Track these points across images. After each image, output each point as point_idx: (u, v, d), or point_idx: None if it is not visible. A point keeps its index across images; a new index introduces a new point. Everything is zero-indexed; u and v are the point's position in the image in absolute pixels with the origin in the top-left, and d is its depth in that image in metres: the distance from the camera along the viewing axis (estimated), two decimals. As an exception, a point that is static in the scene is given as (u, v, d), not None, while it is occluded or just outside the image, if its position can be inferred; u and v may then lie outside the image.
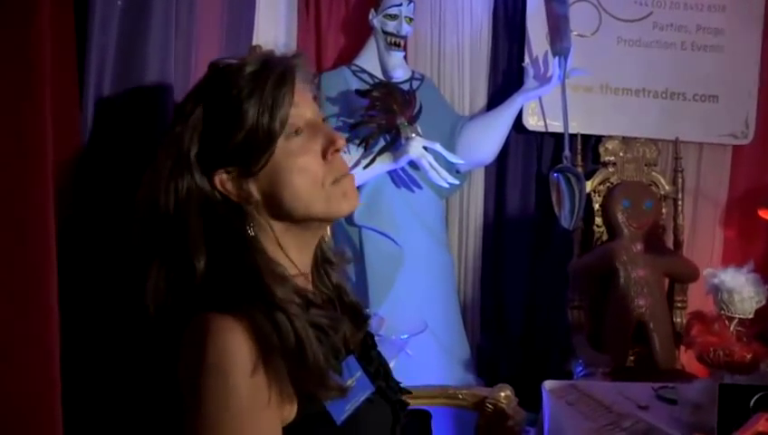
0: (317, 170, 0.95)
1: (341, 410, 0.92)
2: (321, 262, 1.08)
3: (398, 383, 1.08)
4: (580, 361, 2.63)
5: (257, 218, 0.97)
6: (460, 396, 2.19)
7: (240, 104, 0.93)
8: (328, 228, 1.12)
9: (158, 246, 0.95)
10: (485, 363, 3.10)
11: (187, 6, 1.16)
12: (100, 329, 1.05)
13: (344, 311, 1.06)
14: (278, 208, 0.96)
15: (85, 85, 1.00)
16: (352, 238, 2.81)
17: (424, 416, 1.96)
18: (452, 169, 2.82)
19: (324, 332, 0.94)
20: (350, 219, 2.78)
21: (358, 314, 1.07)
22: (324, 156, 0.97)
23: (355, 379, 0.96)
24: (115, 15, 1.01)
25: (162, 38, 1.06)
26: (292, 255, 1.00)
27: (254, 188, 0.96)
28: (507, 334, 3.16)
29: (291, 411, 0.90)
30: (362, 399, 0.96)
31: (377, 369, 1.03)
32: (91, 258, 1.05)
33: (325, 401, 0.91)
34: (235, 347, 0.86)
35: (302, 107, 0.97)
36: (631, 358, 2.90)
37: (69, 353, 0.96)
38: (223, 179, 0.95)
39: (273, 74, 0.95)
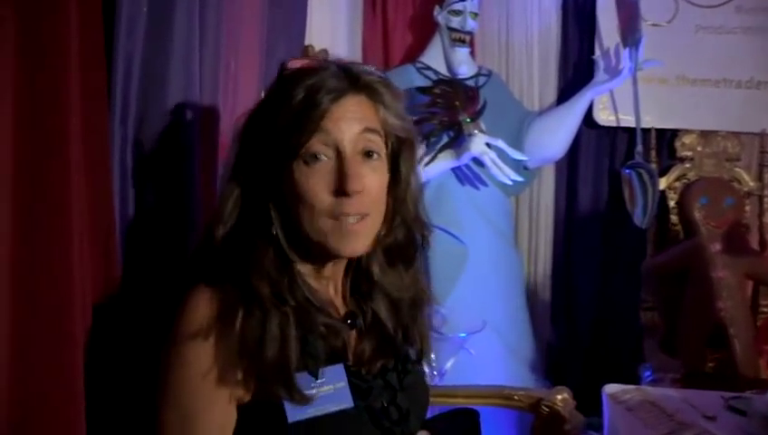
0: (319, 203, 0.94)
1: (300, 411, 0.92)
2: (367, 284, 1.06)
3: (407, 416, 1.04)
4: (649, 365, 2.52)
5: (278, 221, 0.99)
6: (516, 397, 2.14)
7: (279, 115, 0.95)
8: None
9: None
10: (554, 365, 3.01)
11: (214, 10, 1.19)
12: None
13: (371, 334, 1.05)
14: (290, 223, 0.97)
15: (112, 89, 1.05)
16: (416, 236, 2.80)
17: (472, 414, 1.93)
18: (519, 165, 2.77)
19: (314, 332, 0.95)
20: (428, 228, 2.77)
21: (386, 342, 1.05)
22: (335, 192, 0.95)
23: (334, 387, 0.95)
24: (141, 21, 1.06)
25: (185, 39, 1.10)
26: (307, 259, 1.01)
27: (275, 196, 0.98)
28: (577, 336, 3.07)
29: (245, 393, 0.92)
30: (333, 409, 0.94)
31: (370, 388, 1.00)
32: (124, 257, 1.10)
33: (291, 416, 0.91)
34: (193, 312, 0.90)
35: (337, 133, 0.94)
36: (710, 365, 2.74)
37: (96, 344, 1.01)
38: (259, 178, 0.98)
39: (321, 93, 0.94)
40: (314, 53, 1.96)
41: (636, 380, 2.58)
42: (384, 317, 1.06)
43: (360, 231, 0.98)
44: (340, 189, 0.94)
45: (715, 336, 2.69)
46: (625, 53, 2.76)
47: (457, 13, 2.79)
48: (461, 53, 2.82)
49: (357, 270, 1.06)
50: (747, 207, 2.85)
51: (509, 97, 2.97)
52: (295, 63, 0.99)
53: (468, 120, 2.66)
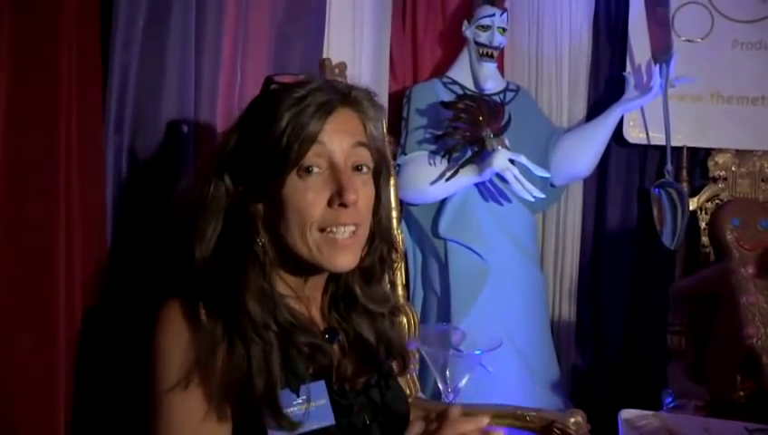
0: (312, 214, 0.94)
1: (281, 430, 0.91)
2: (346, 301, 1.07)
3: (388, 433, 1.03)
4: (671, 390, 2.43)
5: (264, 237, 0.99)
6: (528, 418, 2.10)
7: (268, 126, 0.95)
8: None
9: (176, 233, 1.00)
10: (578, 387, 2.94)
11: (213, 24, 1.21)
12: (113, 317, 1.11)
13: (353, 350, 1.06)
14: (277, 237, 0.98)
15: (108, 99, 1.07)
16: (438, 251, 2.79)
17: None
18: (545, 182, 2.73)
19: (299, 353, 0.94)
20: (435, 232, 2.76)
21: (368, 356, 1.06)
22: (330, 204, 0.95)
23: (315, 404, 0.94)
24: (137, 34, 1.08)
25: (181, 54, 1.12)
26: (289, 279, 1.01)
27: (262, 210, 0.98)
28: (602, 358, 2.99)
29: (229, 424, 0.92)
30: (315, 426, 0.94)
31: (351, 405, 1.00)
32: (118, 264, 1.12)
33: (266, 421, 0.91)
34: (175, 326, 0.91)
35: (331, 145, 0.95)
36: (741, 393, 2.64)
37: (81, 342, 1.03)
38: (243, 191, 0.99)
39: (312, 105, 0.95)
40: (332, 66, 1.97)
41: (657, 404, 2.49)
42: (366, 334, 1.07)
43: (352, 245, 0.98)
44: (339, 200, 0.94)
45: (745, 364, 2.59)
46: (656, 69, 2.70)
47: (485, 28, 2.77)
48: (488, 68, 2.80)
49: (335, 286, 1.06)
50: (783, 231, 2.73)
51: (537, 113, 2.93)
52: (282, 78, 0.99)
53: (492, 135, 2.63)
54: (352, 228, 0.98)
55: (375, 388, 1.05)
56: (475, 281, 2.70)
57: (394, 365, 1.10)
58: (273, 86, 1.01)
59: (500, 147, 2.62)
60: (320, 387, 0.97)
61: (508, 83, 2.89)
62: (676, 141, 2.74)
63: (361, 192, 0.98)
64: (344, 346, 1.05)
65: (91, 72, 1.03)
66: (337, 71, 2.02)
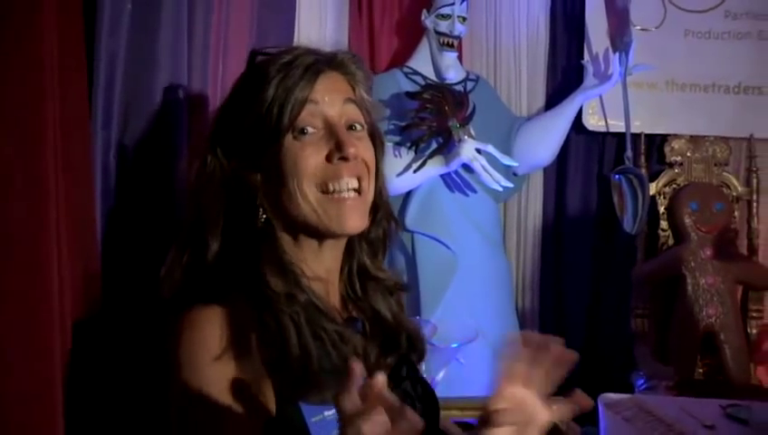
0: (308, 169, 0.91)
1: (324, 431, 0.86)
2: (361, 277, 1.04)
3: (426, 425, 1.00)
4: (642, 373, 2.49)
5: (268, 210, 0.95)
6: (509, 408, 2.10)
7: (258, 93, 0.92)
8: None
9: (179, 226, 0.94)
10: (544, 373, 2.97)
11: (202, 10, 1.14)
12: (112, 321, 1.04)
13: (375, 333, 1.01)
14: (279, 208, 0.94)
15: (94, 91, 0.99)
16: (405, 244, 2.76)
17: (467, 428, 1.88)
18: (508, 171, 2.73)
19: (323, 343, 0.89)
20: (401, 225, 2.73)
21: (392, 341, 1.02)
22: (329, 159, 0.92)
23: None
24: (125, 20, 1.00)
25: (172, 40, 1.04)
26: (302, 256, 0.97)
27: (260, 181, 0.94)
28: (567, 343, 3.02)
29: (266, 414, 0.87)
30: None
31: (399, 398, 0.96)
32: (109, 259, 1.04)
33: (309, 419, 0.86)
34: (205, 337, 0.84)
35: (323, 105, 0.93)
36: (700, 371, 2.73)
37: (75, 348, 0.95)
38: (236, 166, 0.94)
39: (300, 67, 0.92)
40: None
41: (627, 387, 2.55)
42: (382, 309, 1.03)
43: (358, 205, 0.95)
44: (339, 154, 0.91)
45: (704, 343, 2.68)
46: (614, 57, 2.74)
47: (446, 17, 2.75)
48: (449, 58, 2.78)
49: (349, 265, 1.02)
50: (736, 213, 2.83)
51: (497, 102, 2.94)
52: (265, 49, 0.97)
53: (458, 125, 2.62)
54: (355, 184, 0.94)
55: (407, 380, 1.02)
56: (444, 273, 2.69)
57: (412, 356, 1.07)
58: (258, 57, 0.98)
59: (466, 137, 2.61)
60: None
61: (468, 73, 2.88)
62: (634, 128, 2.79)
63: (360, 146, 0.95)
64: (366, 333, 1.01)
65: (74, 58, 0.94)
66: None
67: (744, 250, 2.82)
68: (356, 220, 0.95)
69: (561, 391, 2.39)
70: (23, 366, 0.88)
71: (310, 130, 0.92)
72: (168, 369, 0.87)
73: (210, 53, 1.17)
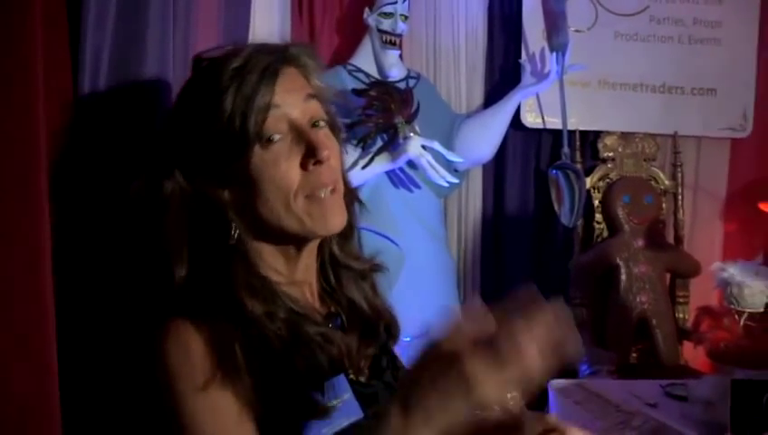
0: (291, 183, 0.88)
1: (318, 433, 0.87)
2: (333, 268, 1.02)
3: None
4: (585, 359, 2.60)
5: (239, 225, 0.92)
6: (465, 398, 2.16)
7: (217, 103, 0.87)
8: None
9: (142, 249, 0.91)
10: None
11: (184, 3, 1.12)
12: (93, 328, 1.01)
13: (353, 324, 1.01)
14: (254, 220, 0.91)
15: (79, 85, 0.96)
16: (351, 240, 2.77)
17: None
18: (450, 167, 2.79)
19: (310, 348, 0.90)
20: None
21: (370, 329, 1.02)
22: (304, 166, 0.89)
23: (341, 401, 0.90)
24: (110, 12, 0.97)
25: (160, 35, 1.02)
26: (279, 264, 0.95)
27: (229, 196, 0.91)
28: (509, 334, 3.13)
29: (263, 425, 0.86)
30: (345, 424, 0.89)
31: (375, 393, 0.96)
32: (84, 257, 1.01)
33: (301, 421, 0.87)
34: (192, 361, 0.83)
35: (286, 108, 0.89)
36: (634, 355, 2.88)
37: (64, 353, 0.92)
38: (197, 186, 0.91)
39: (256, 71, 0.88)
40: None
41: (569, 374, 2.65)
42: (357, 298, 1.02)
43: (337, 201, 0.93)
44: (314, 159, 0.89)
45: (637, 328, 2.83)
46: (552, 57, 2.85)
47: (388, 15, 2.78)
48: (392, 56, 2.81)
49: (322, 258, 1.01)
50: (663, 205, 3.00)
51: (438, 99, 3.00)
52: (210, 54, 0.91)
53: (404, 122, 2.65)
54: (332, 186, 0.93)
55: (387, 370, 1.02)
56: (391, 269, 2.69)
57: (389, 343, 1.07)
58: (203, 63, 0.93)
59: (412, 134, 2.65)
60: (341, 381, 0.93)
61: (409, 71, 2.92)
62: (569, 125, 2.91)
63: (329, 144, 0.92)
64: (344, 327, 1.01)
65: (58, 54, 0.91)
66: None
67: (671, 240, 2.99)
68: (339, 217, 0.93)
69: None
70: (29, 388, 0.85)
71: (276, 136, 0.88)
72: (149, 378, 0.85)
73: (190, 48, 1.15)
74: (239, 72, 0.88)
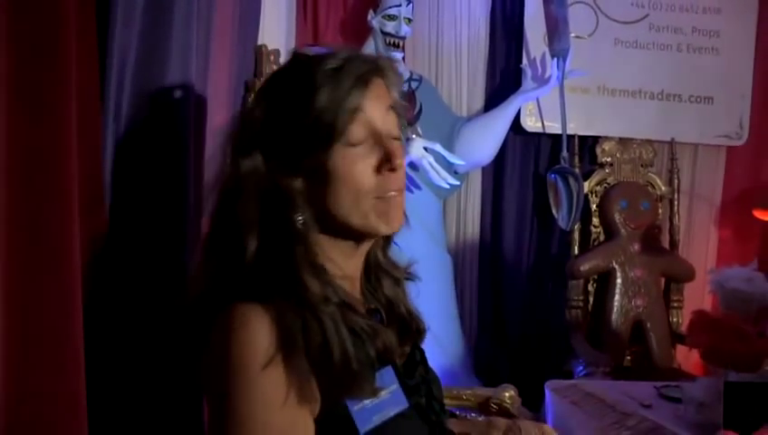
0: (365, 183, 0.94)
1: (368, 420, 0.91)
2: (375, 270, 1.08)
3: (442, 405, 1.06)
4: (581, 360, 2.64)
5: (306, 214, 0.97)
6: (464, 396, 2.20)
7: (310, 98, 0.93)
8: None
9: (215, 225, 0.95)
10: (483, 364, 3.10)
11: (206, 5, 1.15)
12: (129, 318, 1.04)
13: (391, 322, 1.05)
14: (321, 212, 0.96)
15: (106, 83, 0.99)
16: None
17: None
18: (451, 169, 2.83)
19: (360, 338, 0.94)
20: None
21: (406, 328, 1.07)
22: (378, 170, 0.95)
23: (389, 391, 0.95)
24: (137, 10, 1.00)
25: (184, 30, 1.05)
26: (336, 256, 1.00)
27: (302, 186, 0.96)
28: (505, 335, 3.17)
29: (314, 410, 0.90)
30: (393, 413, 0.94)
31: (417, 386, 1.01)
32: (118, 252, 1.04)
33: (352, 408, 0.90)
34: (256, 339, 0.86)
35: (371, 115, 0.95)
36: (628, 357, 2.92)
37: (96, 346, 0.95)
38: (273, 170, 0.95)
39: (351, 76, 0.94)
40: (267, 52, 1.93)
41: (564, 375, 2.70)
42: (394, 297, 1.08)
43: (400, 204, 0.99)
44: (388, 166, 0.95)
45: (632, 331, 2.87)
46: (553, 63, 2.89)
47: (392, 18, 2.82)
48: (395, 58, 2.85)
49: (366, 267, 1.06)
50: (660, 211, 3.05)
51: (439, 102, 3.03)
52: (311, 50, 0.98)
53: (406, 124, 2.68)
54: (399, 192, 0.99)
55: (420, 364, 1.07)
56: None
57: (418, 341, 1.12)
58: (301, 58, 0.98)
59: (414, 135, 2.69)
60: (389, 372, 0.97)
61: (412, 73, 2.96)
62: (569, 130, 2.95)
63: (401, 155, 0.98)
64: (383, 323, 1.06)
65: (88, 54, 0.94)
66: (272, 57, 1.98)
67: (666, 245, 3.03)
68: (399, 219, 0.99)
69: (507, 378, 2.50)
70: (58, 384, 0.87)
71: (359, 139, 0.94)
72: (203, 365, 0.88)
73: (211, 48, 1.18)
74: (335, 72, 0.94)
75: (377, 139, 0.95)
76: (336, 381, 0.89)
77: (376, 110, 0.96)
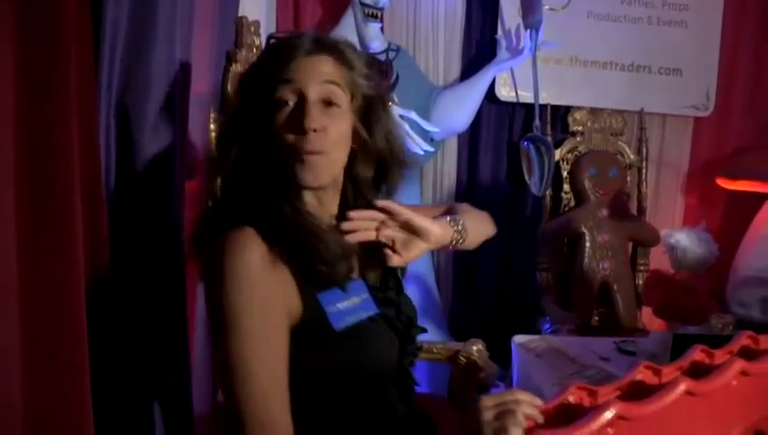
0: (286, 140, 1.08)
1: (342, 320, 1.05)
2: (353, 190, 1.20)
3: (411, 321, 1.20)
4: (548, 318, 2.78)
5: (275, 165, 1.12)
6: (435, 350, 2.32)
7: (255, 75, 1.12)
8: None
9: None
10: (458, 323, 3.24)
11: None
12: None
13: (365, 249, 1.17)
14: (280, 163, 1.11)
15: (101, 54, 1.07)
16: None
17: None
18: (427, 136, 2.92)
19: (332, 249, 1.08)
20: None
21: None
22: (294, 131, 1.08)
23: (361, 298, 1.10)
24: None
25: (170, 5, 1.13)
26: (309, 200, 1.14)
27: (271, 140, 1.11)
28: (479, 296, 3.30)
29: (296, 316, 1.05)
30: (365, 316, 1.09)
31: (388, 300, 1.16)
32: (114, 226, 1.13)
33: (328, 310, 1.04)
34: (250, 258, 1.01)
35: (299, 82, 1.08)
36: (596, 318, 3.06)
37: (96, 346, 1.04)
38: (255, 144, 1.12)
39: (287, 49, 1.10)
40: (248, 24, 1.99)
41: (534, 331, 2.83)
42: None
43: (316, 164, 1.10)
44: (299, 127, 1.07)
45: (599, 293, 3.01)
46: (526, 34, 2.98)
47: (370, -11, 2.88)
48: (373, 29, 2.92)
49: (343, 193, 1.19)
50: (628, 178, 3.17)
51: (417, 71, 3.11)
52: (279, 34, 1.14)
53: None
54: (318, 149, 1.09)
55: (392, 290, 1.20)
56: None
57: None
58: (271, 41, 1.17)
59: (390, 103, 2.78)
60: (360, 283, 1.13)
61: (390, 43, 3.03)
62: (541, 99, 3.05)
63: (327, 123, 1.09)
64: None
65: (85, 32, 1.02)
66: (252, 28, 2.05)
67: (634, 211, 3.16)
68: (317, 177, 1.10)
69: (477, 334, 2.63)
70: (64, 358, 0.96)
71: (288, 102, 1.09)
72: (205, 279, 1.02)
73: (194, 25, 1.27)
74: (284, 49, 1.12)
75: (300, 102, 1.08)
76: (314, 275, 1.04)
77: (308, 78, 1.08)
